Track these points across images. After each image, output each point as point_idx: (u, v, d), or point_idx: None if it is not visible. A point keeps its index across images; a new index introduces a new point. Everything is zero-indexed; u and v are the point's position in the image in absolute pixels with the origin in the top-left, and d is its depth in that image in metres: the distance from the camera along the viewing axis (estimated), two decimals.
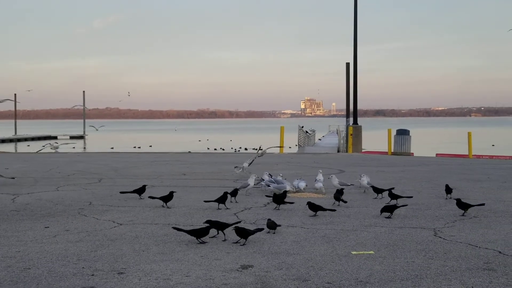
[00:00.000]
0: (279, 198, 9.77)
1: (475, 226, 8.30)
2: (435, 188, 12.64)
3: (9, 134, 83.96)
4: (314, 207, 9.00)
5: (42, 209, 9.69)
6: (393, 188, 10.95)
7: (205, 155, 28.10)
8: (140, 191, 10.97)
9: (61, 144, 17.75)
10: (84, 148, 57.09)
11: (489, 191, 12.46)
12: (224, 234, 7.33)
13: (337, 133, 61.73)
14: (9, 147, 58.84)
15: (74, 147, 49.33)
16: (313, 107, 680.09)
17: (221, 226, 7.34)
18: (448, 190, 10.93)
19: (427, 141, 62.89)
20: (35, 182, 13.76)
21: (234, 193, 10.42)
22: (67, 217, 8.95)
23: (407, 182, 14.06)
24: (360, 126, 32.46)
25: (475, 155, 28.86)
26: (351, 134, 31.37)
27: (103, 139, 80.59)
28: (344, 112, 42.05)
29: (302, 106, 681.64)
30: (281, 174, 12.26)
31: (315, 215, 9.03)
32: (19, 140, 75.09)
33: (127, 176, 15.58)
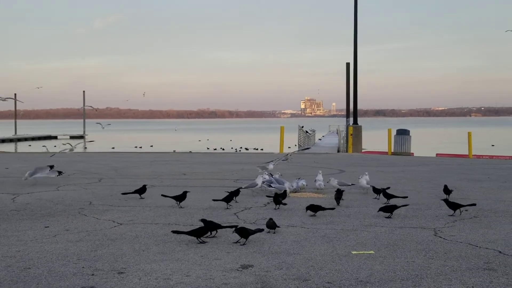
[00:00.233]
0: (279, 198, 9.77)
1: (475, 226, 8.30)
2: (435, 188, 12.64)
3: (9, 134, 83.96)
4: (313, 208, 9.00)
5: (42, 209, 9.68)
6: (388, 188, 10.94)
7: (205, 155, 28.11)
8: (141, 191, 10.98)
9: (76, 144, 17.45)
10: (85, 148, 57.03)
11: (489, 191, 12.45)
12: (216, 232, 7.36)
13: (337, 133, 61.74)
14: (9, 147, 58.83)
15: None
16: (313, 107, 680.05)
17: (213, 226, 7.32)
18: (447, 191, 10.85)
19: (427, 141, 62.87)
20: (35, 182, 13.75)
21: (236, 193, 10.41)
22: (67, 216, 8.94)
23: (407, 182, 14.06)
24: (360, 126, 32.45)
25: (475, 155, 28.86)
26: (351, 134, 31.37)
27: (103, 139, 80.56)
28: (344, 112, 42.08)
29: (302, 106, 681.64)
30: (279, 173, 12.25)
31: (314, 215, 9.03)
32: (19, 140, 75.06)
33: (127, 176, 15.59)
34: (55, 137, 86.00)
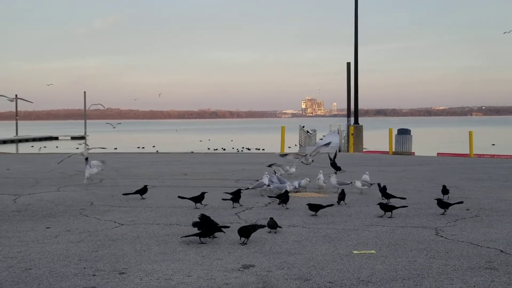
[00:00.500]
0: (284, 197, 9.80)
1: (476, 225, 8.29)
2: (436, 187, 12.62)
3: (10, 135, 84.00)
4: (314, 207, 9.01)
5: (43, 210, 9.69)
6: (384, 187, 10.93)
7: (206, 155, 28.11)
8: (142, 191, 10.98)
9: (91, 148, 16.52)
10: (87, 148, 56.92)
11: (490, 190, 12.44)
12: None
13: (338, 132, 61.70)
14: (10, 148, 58.86)
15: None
16: (314, 107, 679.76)
17: (210, 224, 7.31)
18: (445, 191, 10.82)
19: (428, 141, 62.81)
20: (36, 183, 13.77)
21: (238, 193, 10.37)
22: (68, 217, 8.95)
23: (408, 182, 14.05)
24: (361, 126, 32.46)
25: (476, 154, 28.83)
26: (352, 134, 31.37)
27: (104, 140, 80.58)
28: (345, 112, 42.10)
29: (303, 106, 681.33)
30: (277, 174, 12.25)
31: (315, 215, 9.03)
32: (20, 141, 75.10)
33: (128, 176, 15.59)
34: (56, 138, 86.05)
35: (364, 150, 33.21)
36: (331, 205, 9.23)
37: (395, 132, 30.59)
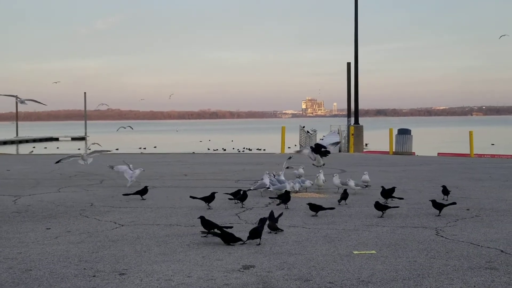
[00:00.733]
0: (286, 198, 9.81)
1: (477, 225, 8.29)
2: (436, 187, 12.61)
3: (11, 136, 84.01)
4: (314, 208, 9.00)
5: (44, 211, 9.69)
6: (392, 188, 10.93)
7: (206, 156, 28.13)
8: (142, 192, 10.97)
9: (93, 153, 14.55)
10: (89, 149, 56.98)
11: (491, 190, 12.44)
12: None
13: (339, 133, 61.70)
14: (11, 149, 58.88)
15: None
16: (314, 107, 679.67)
17: (210, 227, 7.30)
18: (445, 191, 10.77)
19: (428, 141, 62.80)
20: (37, 184, 13.77)
21: (237, 193, 10.36)
22: (68, 218, 8.94)
23: (408, 182, 14.04)
24: (362, 126, 32.46)
25: (477, 154, 28.84)
26: (352, 134, 31.36)
27: (105, 141, 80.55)
28: (345, 112, 42.10)
29: (303, 106, 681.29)
30: (276, 173, 12.24)
31: (316, 215, 9.02)
32: (20, 142, 75.12)
33: None
34: (57, 139, 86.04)
35: (365, 150, 33.22)
36: (332, 208, 9.19)
37: (395, 132, 30.58)
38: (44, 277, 5.58)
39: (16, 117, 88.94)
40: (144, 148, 52.27)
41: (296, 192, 11.50)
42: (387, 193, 10.45)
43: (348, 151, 31.65)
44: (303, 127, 45.40)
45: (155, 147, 55.57)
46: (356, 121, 32.96)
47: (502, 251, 6.64)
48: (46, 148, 55.95)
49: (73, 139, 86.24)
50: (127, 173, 12.92)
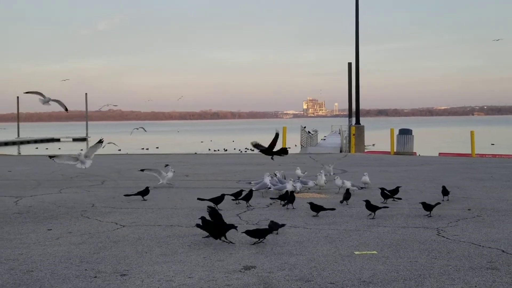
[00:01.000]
0: (291, 198, 9.83)
1: (478, 225, 8.28)
2: (438, 187, 12.60)
3: (12, 136, 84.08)
4: (315, 208, 9.00)
5: (45, 212, 9.69)
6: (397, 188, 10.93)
7: (208, 156, 28.15)
8: (144, 193, 10.98)
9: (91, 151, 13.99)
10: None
11: (492, 190, 12.43)
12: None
13: (340, 133, 61.71)
14: (12, 150, 58.92)
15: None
16: (315, 107, 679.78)
17: (214, 228, 7.27)
18: (445, 192, 10.72)
19: (430, 141, 62.78)
20: (38, 185, 13.78)
21: (239, 194, 10.35)
22: (70, 219, 8.95)
23: (410, 182, 14.03)
24: (363, 126, 32.42)
25: (478, 154, 28.82)
26: (354, 134, 31.34)
27: (106, 141, 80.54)
28: (346, 112, 42.06)
29: (305, 107, 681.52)
30: (276, 173, 12.25)
31: (317, 215, 9.02)
32: (21, 142, 75.18)
33: (130, 178, 15.59)
34: (58, 140, 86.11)
35: (367, 150, 33.20)
36: (333, 209, 9.18)
37: (396, 132, 30.56)
38: (46, 278, 5.58)
39: (18, 118, 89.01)
40: (147, 149, 52.34)
41: (297, 192, 11.49)
42: (386, 193, 10.46)
43: (349, 151, 31.63)
44: (304, 127, 45.34)
45: (157, 147, 55.63)
46: (358, 121, 32.92)
47: (503, 251, 6.63)
48: (47, 149, 55.95)
49: (75, 140, 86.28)
50: (160, 175, 12.95)
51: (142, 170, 13.00)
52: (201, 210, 9.66)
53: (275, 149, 12.34)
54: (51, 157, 15.11)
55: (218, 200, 9.74)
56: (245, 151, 44.85)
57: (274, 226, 7.41)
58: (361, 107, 34.38)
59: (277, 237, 7.40)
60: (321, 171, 12.33)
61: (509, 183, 13.83)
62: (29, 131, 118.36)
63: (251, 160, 22.94)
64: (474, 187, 12.98)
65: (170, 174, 12.89)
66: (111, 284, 5.40)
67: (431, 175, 15.82)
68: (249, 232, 6.98)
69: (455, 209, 9.67)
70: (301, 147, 41.49)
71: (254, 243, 6.99)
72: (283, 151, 12.45)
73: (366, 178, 12.36)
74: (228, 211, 9.57)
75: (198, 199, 10.04)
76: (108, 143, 15.56)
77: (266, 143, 11.54)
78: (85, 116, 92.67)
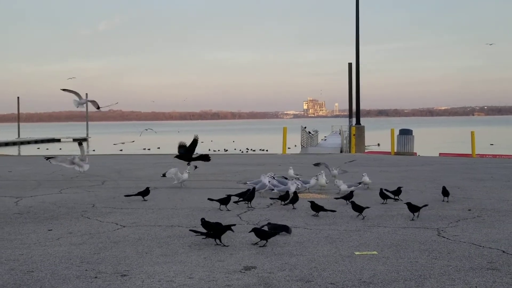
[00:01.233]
0: (294, 198, 9.84)
1: (478, 225, 8.28)
2: (438, 188, 12.59)
3: (13, 137, 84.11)
4: (316, 208, 9.00)
5: (46, 212, 9.70)
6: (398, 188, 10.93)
7: None
8: (144, 193, 10.98)
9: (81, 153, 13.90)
10: (93, 150, 57.12)
11: (493, 190, 12.43)
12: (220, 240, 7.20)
13: (340, 133, 61.71)
14: (12, 150, 58.94)
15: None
16: (315, 107, 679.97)
17: (214, 229, 7.27)
18: (445, 192, 10.68)
19: (430, 141, 62.79)
20: (38, 185, 13.78)
21: (244, 194, 10.33)
22: (70, 219, 8.95)
23: (410, 182, 14.03)
24: (363, 126, 32.42)
25: (479, 154, 28.83)
26: (354, 134, 31.34)
27: (107, 141, 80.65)
28: (347, 113, 42.01)
29: (305, 107, 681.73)
30: (273, 174, 12.24)
31: (317, 215, 9.02)
32: (22, 143, 75.23)
33: (130, 178, 15.59)
34: (58, 140, 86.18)
35: (367, 150, 33.19)
36: (334, 211, 9.17)
37: (397, 132, 30.55)
38: (46, 279, 5.59)
39: (18, 118, 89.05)
40: (149, 149, 52.43)
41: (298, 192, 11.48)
42: (385, 194, 10.47)
43: (349, 152, 31.63)
44: (305, 127, 45.36)
45: (159, 147, 55.70)
46: (358, 122, 32.92)
47: (503, 251, 6.64)
48: (48, 149, 55.99)
49: (75, 140, 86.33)
50: (176, 176, 13.08)
51: (164, 176, 13.12)
52: (201, 211, 9.67)
53: (195, 155, 12.42)
54: (47, 158, 15.18)
55: (225, 201, 9.75)
56: (246, 152, 44.83)
57: (279, 229, 7.42)
58: (361, 107, 34.40)
59: (277, 237, 7.40)
60: (322, 171, 12.33)
61: (510, 183, 13.82)
62: (30, 131, 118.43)
63: (251, 160, 22.94)
64: (475, 187, 12.98)
65: (185, 175, 13.00)
66: (111, 284, 5.40)
67: (432, 176, 15.82)
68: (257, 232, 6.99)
69: (456, 210, 9.67)
70: (302, 147, 41.51)
71: (256, 243, 6.99)
72: (204, 158, 12.56)
73: (366, 179, 12.36)
74: (229, 211, 9.58)
75: (209, 199, 10.09)
76: (122, 143, 15.72)
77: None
78: (86, 117, 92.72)
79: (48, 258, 6.42)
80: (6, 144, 71.60)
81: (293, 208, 9.75)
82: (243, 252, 6.65)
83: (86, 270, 5.90)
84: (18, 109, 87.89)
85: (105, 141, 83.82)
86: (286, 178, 12.10)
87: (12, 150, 58.36)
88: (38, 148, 61.45)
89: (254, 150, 46.43)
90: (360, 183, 12.01)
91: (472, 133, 28.66)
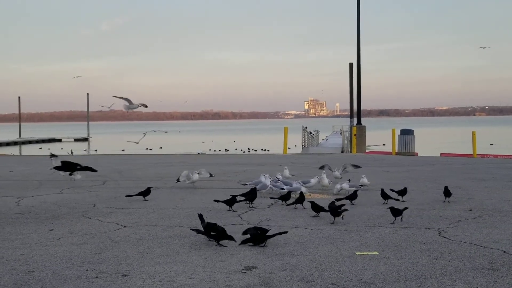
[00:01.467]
0: (301, 199, 9.82)
1: (479, 226, 8.28)
2: (439, 188, 12.58)
3: (14, 137, 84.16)
4: (316, 208, 8.99)
5: (47, 212, 9.70)
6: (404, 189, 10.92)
7: (209, 157, 28.14)
8: (145, 193, 10.99)
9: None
10: (95, 150, 57.19)
11: (494, 190, 12.42)
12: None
13: (341, 133, 61.71)
14: (13, 150, 58.96)
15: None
16: (316, 107, 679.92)
17: (215, 231, 7.24)
18: (447, 193, 10.64)
19: (431, 141, 62.76)
20: (40, 185, 13.79)
21: (248, 194, 10.29)
22: (71, 219, 8.96)
23: (411, 182, 14.02)
24: (364, 126, 32.39)
25: (480, 154, 28.81)
26: (355, 135, 31.32)
27: (108, 142, 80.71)
28: (348, 113, 42.01)
29: (306, 107, 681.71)
30: (280, 174, 12.23)
31: (317, 215, 9.02)
32: (23, 143, 75.26)
33: (131, 178, 15.60)
34: (59, 140, 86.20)
35: (368, 150, 33.18)
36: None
37: (398, 132, 30.53)
38: (47, 279, 5.59)
39: (19, 118, 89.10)
40: (151, 149, 52.49)
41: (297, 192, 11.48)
42: (386, 194, 10.47)
43: (350, 152, 31.61)
44: (306, 127, 45.36)
45: (161, 147, 55.78)
46: (359, 122, 32.90)
47: (504, 252, 6.63)
48: (49, 149, 56.00)
49: (76, 140, 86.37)
50: (187, 177, 13.17)
51: (178, 181, 13.22)
52: (202, 211, 9.66)
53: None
54: (52, 156, 15.23)
55: (230, 202, 9.73)
56: (248, 151, 44.83)
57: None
58: (362, 107, 34.36)
59: (278, 238, 7.40)
60: (323, 171, 12.32)
61: (511, 183, 13.81)
62: (31, 131, 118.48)
63: (252, 160, 22.94)
64: (476, 187, 12.97)
65: (195, 177, 13.09)
66: (112, 284, 5.41)
67: (433, 176, 15.81)
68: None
69: (457, 210, 9.67)
70: (303, 148, 41.51)
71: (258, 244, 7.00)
72: (89, 169, 13.11)
73: (364, 180, 12.35)
74: (229, 212, 9.58)
75: (215, 200, 10.08)
76: (136, 142, 16.04)
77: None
78: (87, 117, 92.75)
79: (49, 258, 6.43)
80: (7, 144, 71.63)
81: (303, 208, 9.72)
82: (244, 252, 6.65)
83: (87, 270, 5.90)
84: (19, 109, 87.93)
85: (106, 141, 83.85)
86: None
87: (13, 150, 58.37)
88: (40, 148, 61.46)
89: (256, 150, 46.45)
90: (361, 185, 12.03)
91: (473, 133, 28.64)
